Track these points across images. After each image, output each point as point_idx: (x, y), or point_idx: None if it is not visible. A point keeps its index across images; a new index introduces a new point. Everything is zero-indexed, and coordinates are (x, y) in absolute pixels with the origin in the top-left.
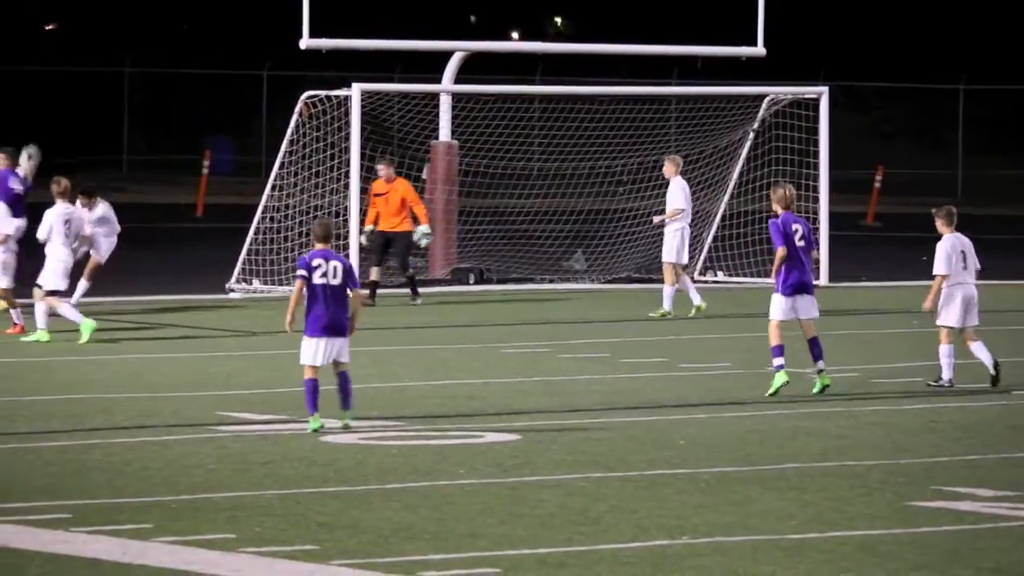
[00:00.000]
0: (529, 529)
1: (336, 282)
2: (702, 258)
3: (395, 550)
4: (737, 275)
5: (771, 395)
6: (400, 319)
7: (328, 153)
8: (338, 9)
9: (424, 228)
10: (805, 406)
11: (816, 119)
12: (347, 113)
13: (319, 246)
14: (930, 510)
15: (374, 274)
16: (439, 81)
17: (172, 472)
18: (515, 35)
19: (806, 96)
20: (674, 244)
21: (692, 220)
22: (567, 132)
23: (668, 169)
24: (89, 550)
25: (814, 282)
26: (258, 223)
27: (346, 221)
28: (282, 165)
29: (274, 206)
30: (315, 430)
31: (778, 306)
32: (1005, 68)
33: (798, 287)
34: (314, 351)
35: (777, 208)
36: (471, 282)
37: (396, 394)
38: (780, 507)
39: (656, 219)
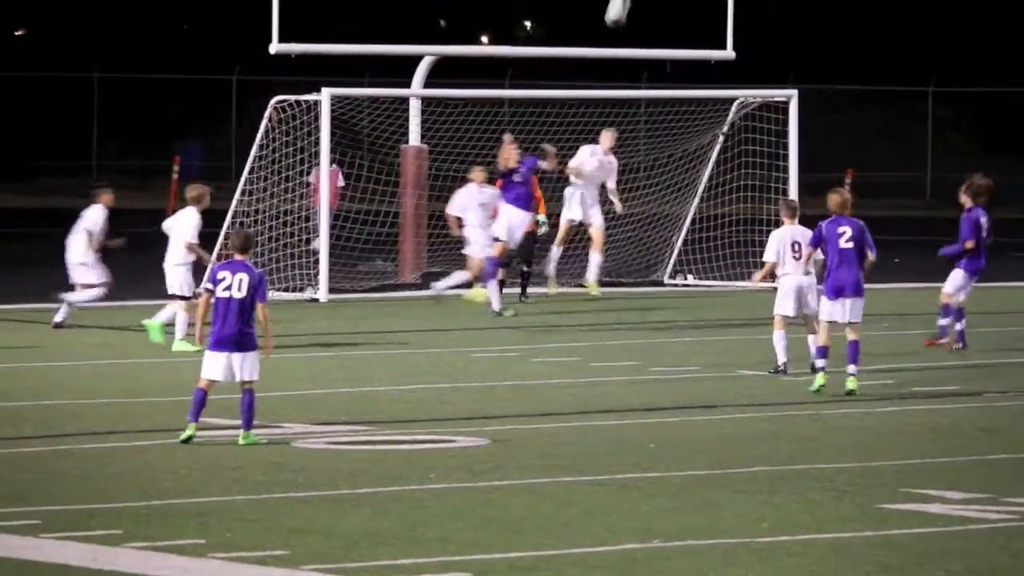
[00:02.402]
0: (499, 533)
1: (240, 295)
2: (671, 262)
3: (365, 555)
4: (707, 279)
5: (813, 391)
6: (367, 324)
7: (298, 158)
8: (308, 14)
9: (542, 217)
10: (775, 409)
11: (786, 122)
12: (317, 118)
13: (237, 257)
14: (900, 512)
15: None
16: (409, 85)
17: (143, 478)
18: (484, 39)
19: (776, 99)
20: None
21: (661, 222)
22: (537, 136)
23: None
24: (59, 556)
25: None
26: (228, 228)
27: (316, 226)
28: (252, 170)
29: (244, 211)
30: (184, 440)
31: (822, 308)
32: (974, 70)
33: (838, 290)
34: (209, 364)
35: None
36: None
37: (366, 398)
38: (750, 510)
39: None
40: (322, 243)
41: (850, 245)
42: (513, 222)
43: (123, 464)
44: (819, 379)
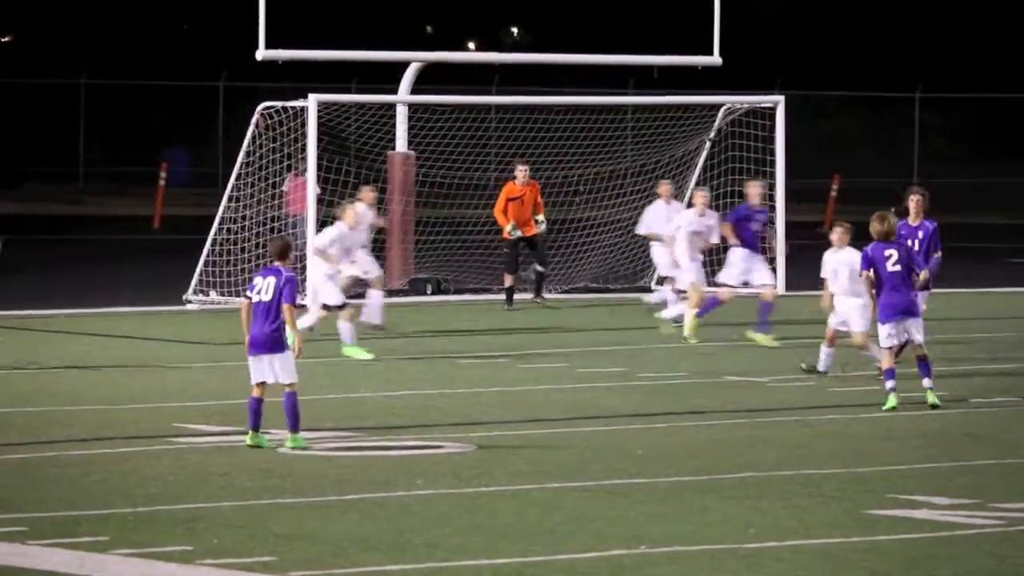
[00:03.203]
0: (487, 539)
1: (267, 297)
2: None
3: (353, 561)
4: None
5: (886, 409)
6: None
7: (285, 164)
8: (294, 20)
9: (540, 217)
10: (762, 415)
11: (772, 128)
12: (304, 124)
13: (275, 263)
14: (887, 518)
15: (509, 280)
16: (395, 92)
17: (129, 484)
18: (471, 45)
19: (762, 105)
20: None
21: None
22: (524, 142)
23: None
24: (46, 563)
25: (919, 301)
26: (215, 235)
27: (303, 232)
28: (239, 176)
29: (231, 217)
30: (250, 446)
31: (881, 333)
32: (960, 77)
33: (890, 314)
34: (252, 369)
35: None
36: (428, 292)
37: (353, 405)
38: (738, 516)
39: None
40: (308, 249)
41: (897, 268)
42: (752, 263)
43: (110, 470)
44: (890, 400)
